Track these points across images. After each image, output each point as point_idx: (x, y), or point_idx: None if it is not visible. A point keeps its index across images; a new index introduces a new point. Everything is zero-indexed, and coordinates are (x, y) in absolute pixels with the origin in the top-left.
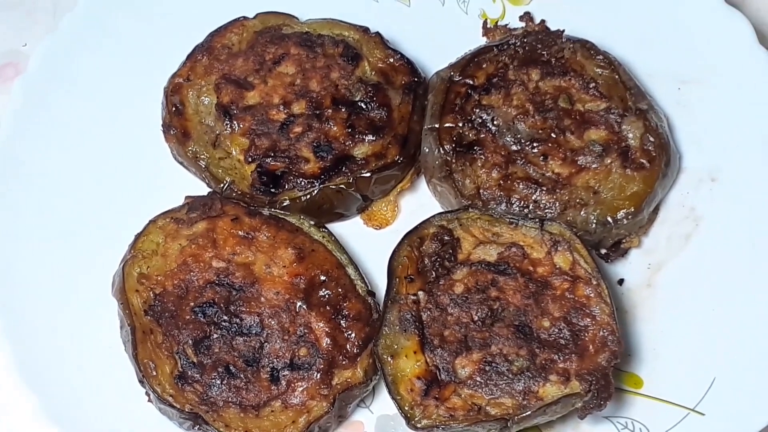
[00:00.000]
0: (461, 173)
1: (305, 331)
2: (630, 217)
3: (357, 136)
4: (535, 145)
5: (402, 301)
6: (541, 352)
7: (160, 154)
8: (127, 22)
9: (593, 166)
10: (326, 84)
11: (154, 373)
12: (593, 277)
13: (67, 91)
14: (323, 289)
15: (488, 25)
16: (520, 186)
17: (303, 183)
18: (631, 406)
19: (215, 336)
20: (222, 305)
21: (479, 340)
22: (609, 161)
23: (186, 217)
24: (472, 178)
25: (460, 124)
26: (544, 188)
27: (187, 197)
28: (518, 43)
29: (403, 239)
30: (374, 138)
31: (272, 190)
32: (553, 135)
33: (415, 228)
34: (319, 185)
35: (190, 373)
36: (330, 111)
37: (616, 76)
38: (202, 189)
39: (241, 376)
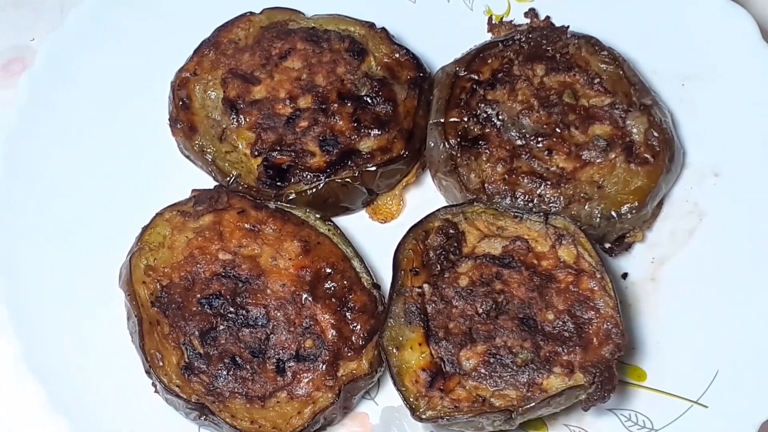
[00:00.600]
0: (466, 167)
1: (311, 322)
2: (634, 211)
3: (363, 131)
4: (539, 139)
5: (407, 293)
6: (546, 344)
7: (167, 148)
8: (134, 17)
9: (597, 160)
10: (332, 79)
11: (161, 364)
12: (597, 271)
13: (74, 86)
14: (329, 282)
15: (493, 22)
16: (525, 180)
17: (309, 177)
18: (634, 398)
19: (221, 327)
20: (228, 297)
21: (484, 332)
22: (613, 156)
23: (193, 210)
24: (477, 173)
25: (465, 119)
26: (549, 182)
27: (193, 190)
28: (523, 39)
29: (408, 232)
30: (380, 132)
31: (278, 183)
32: (557, 130)
33: (421, 221)
34: (325, 179)
35: (196, 363)
36: (336, 105)
37: (621, 72)
38: (208, 182)
39: (247, 367)
